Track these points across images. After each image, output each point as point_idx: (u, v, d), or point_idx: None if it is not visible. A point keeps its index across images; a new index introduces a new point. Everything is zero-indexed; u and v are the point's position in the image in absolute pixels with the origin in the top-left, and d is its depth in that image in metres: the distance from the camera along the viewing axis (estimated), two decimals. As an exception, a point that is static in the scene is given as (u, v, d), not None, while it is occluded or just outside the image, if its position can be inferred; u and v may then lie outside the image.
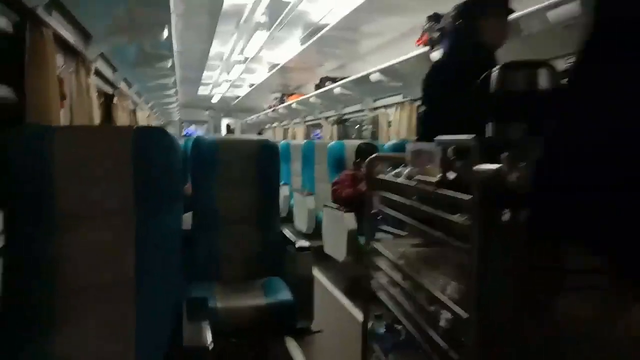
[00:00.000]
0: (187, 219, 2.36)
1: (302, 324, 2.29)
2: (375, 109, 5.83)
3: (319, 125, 8.47)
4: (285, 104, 9.02)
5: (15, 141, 1.38)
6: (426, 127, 1.72)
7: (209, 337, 1.30)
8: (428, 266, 1.56)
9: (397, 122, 5.19)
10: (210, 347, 1.24)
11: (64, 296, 1.28)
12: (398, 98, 5.17)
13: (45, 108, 2.10)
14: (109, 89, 4.38)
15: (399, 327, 1.74)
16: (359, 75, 5.05)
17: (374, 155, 2.01)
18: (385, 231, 2.07)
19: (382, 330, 1.84)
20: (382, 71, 4.69)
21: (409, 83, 4.78)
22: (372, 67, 4.89)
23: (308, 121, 8.92)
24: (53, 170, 1.33)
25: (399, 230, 2.03)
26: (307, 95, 6.87)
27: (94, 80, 3.14)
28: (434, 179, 1.43)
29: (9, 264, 1.29)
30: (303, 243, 2.34)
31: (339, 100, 6.60)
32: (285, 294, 2.16)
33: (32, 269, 1.30)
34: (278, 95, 9.91)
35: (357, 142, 4.14)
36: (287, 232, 2.61)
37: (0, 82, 1.91)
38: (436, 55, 3.89)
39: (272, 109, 10.43)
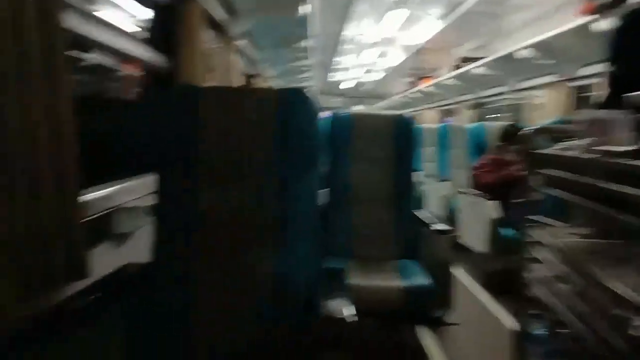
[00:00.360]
0: (321, 195, 2.30)
1: (436, 312, 2.10)
2: (520, 90, 5.26)
3: (450, 112, 7.99)
4: (417, 88, 8.69)
5: (167, 101, 1.41)
6: (616, 90, 1.40)
7: (347, 309, 1.20)
8: (609, 261, 1.27)
9: (547, 105, 4.61)
10: (349, 320, 1.14)
11: (206, 253, 1.27)
12: (549, 78, 4.60)
13: (193, 79, 2.18)
14: (250, 70, 4.55)
15: (563, 330, 1.46)
16: (504, 52, 4.58)
17: (535, 127, 1.73)
18: (537, 221, 1.79)
19: (538, 332, 1.58)
20: (534, 46, 4.18)
21: (564, 60, 4.21)
22: (516, 45, 4.40)
23: (442, 106, 8.45)
24: (199, 128, 1.32)
25: (552, 220, 1.73)
26: (444, 77, 6.48)
27: (236, 58, 3.25)
28: (628, 149, 1.15)
29: (159, 223, 1.32)
30: (440, 225, 2.13)
31: (478, 82, 6.12)
32: (423, 279, 1.99)
33: (178, 227, 1.31)
34: (410, 79, 9.61)
35: (499, 124, 3.75)
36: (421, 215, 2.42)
37: (156, 49, 2.01)
38: (603, 25, 3.34)
39: (402, 94, 10.15)
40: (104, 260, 1.23)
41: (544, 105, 4.64)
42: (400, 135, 2.45)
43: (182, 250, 1.28)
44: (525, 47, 4.24)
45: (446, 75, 6.47)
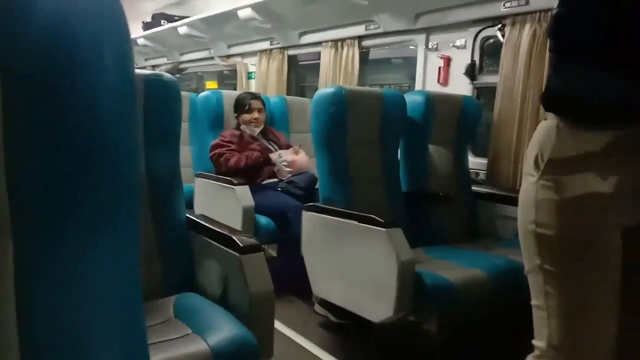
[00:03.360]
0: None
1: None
2: (231, 56, 4.82)
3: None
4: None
5: None
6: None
7: None
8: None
9: (263, 74, 4.32)
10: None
11: None
12: (264, 45, 4.31)
13: None
14: None
15: None
16: (224, 9, 4.00)
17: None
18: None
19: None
20: (254, 7, 3.75)
21: (282, 25, 3.95)
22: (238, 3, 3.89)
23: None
24: None
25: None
26: (136, 36, 5.37)
27: None
28: None
29: None
30: (247, 239, 1.44)
31: (180, 46, 5.36)
32: (234, 328, 1.27)
33: None
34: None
35: (236, 92, 3.20)
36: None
37: None
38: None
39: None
40: None
41: (262, 74, 4.36)
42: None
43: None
44: (247, 6, 3.77)
45: (140, 34, 5.40)
